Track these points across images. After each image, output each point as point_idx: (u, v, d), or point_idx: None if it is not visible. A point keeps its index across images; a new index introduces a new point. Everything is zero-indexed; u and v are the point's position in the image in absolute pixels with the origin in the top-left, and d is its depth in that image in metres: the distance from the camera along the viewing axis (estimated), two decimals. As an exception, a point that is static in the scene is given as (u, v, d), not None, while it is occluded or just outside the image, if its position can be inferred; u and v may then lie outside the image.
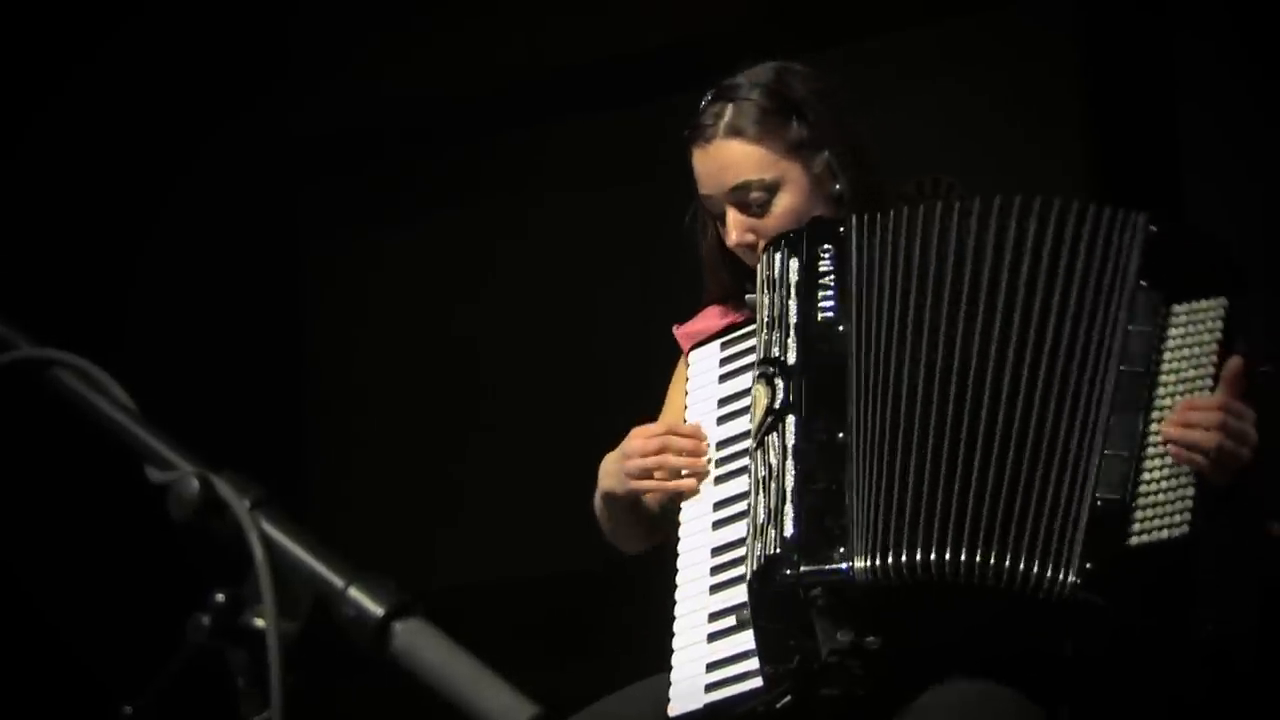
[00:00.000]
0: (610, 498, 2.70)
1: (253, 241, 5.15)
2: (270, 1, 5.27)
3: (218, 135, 4.99)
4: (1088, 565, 2.25)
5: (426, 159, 5.26)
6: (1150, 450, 2.33)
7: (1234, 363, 2.36)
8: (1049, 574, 2.25)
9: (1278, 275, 4.22)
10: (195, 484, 1.41)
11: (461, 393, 5.17)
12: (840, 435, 2.42)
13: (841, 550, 2.33)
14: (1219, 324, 2.41)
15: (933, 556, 2.29)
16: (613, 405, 4.76)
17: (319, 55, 5.36)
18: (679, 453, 2.59)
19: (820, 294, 2.55)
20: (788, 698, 2.34)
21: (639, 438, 2.63)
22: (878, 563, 2.31)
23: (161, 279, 4.89)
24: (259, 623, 1.37)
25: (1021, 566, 2.26)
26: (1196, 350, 2.38)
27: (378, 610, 1.36)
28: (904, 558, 2.30)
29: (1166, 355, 2.39)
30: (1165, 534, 2.27)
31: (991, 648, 2.35)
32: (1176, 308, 2.43)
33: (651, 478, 2.60)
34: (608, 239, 4.90)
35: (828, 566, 2.33)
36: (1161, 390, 2.37)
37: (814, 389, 2.48)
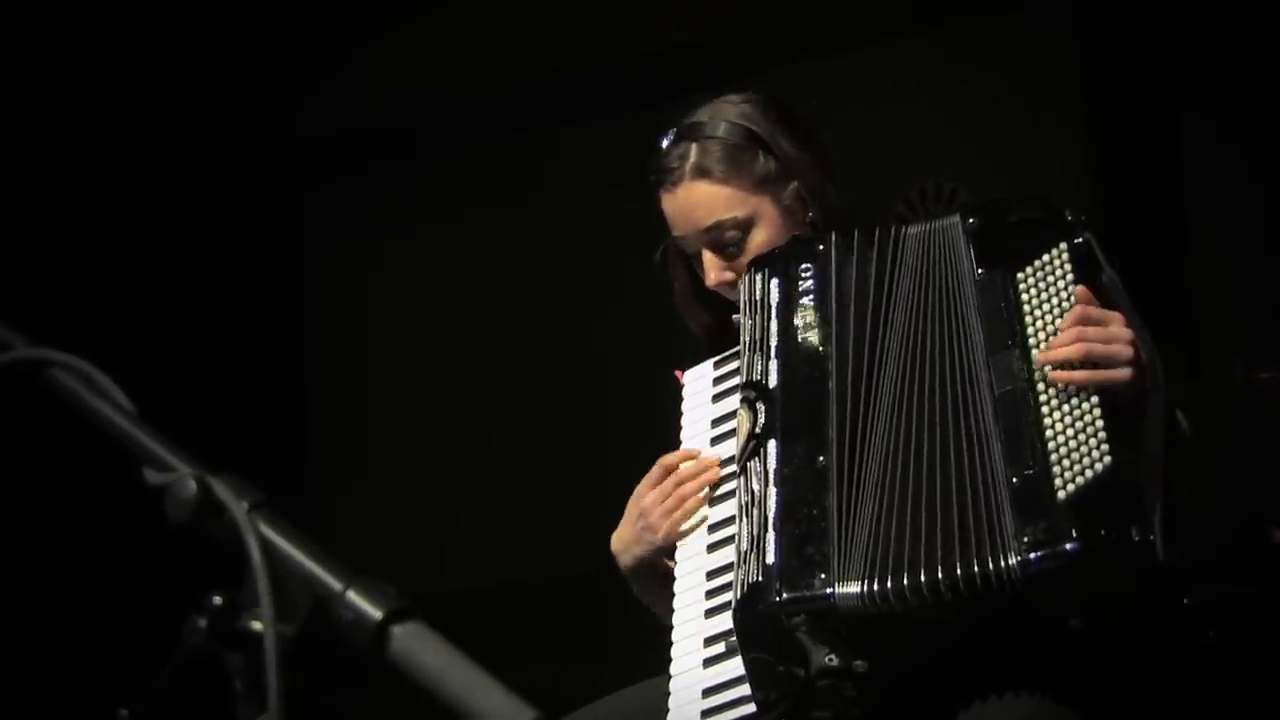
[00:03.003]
0: (633, 572, 2.66)
1: (255, 242, 5.15)
2: (272, 3, 5.27)
3: (219, 136, 4.99)
4: (1025, 540, 2.25)
5: (429, 160, 5.25)
6: (1044, 410, 2.35)
7: (1078, 291, 2.39)
8: (991, 566, 2.25)
9: (1278, 275, 4.23)
10: (193, 486, 1.40)
11: (464, 395, 5.16)
12: (821, 459, 2.40)
13: (823, 577, 2.31)
14: (1066, 268, 2.44)
15: (905, 581, 2.27)
16: (616, 407, 4.79)
17: (321, 56, 5.35)
18: (685, 480, 2.58)
19: (800, 315, 2.54)
20: None
21: (648, 488, 2.61)
22: (860, 589, 2.29)
23: (163, 280, 4.88)
24: (256, 625, 1.37)
25: (974, 570, 2.26)
26: (1054, 302, 2.43)
27: (376, 614, 1.36)
28: (885, 584, 2.28)
29: (1027, 320, 2.43)
30: (1089, 474, 2.27)
31: (985, 659, 2.34)
32: (1019, 275, 2.47)
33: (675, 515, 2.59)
34: (610, 241, 4.89)
35: (808, 594, 2.30)
36: (1036, 353, 2.39)
37: (794, 412, 2.46)
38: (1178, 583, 2.33)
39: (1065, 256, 2.45)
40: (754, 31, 4.78)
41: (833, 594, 2.30)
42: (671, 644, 2.55)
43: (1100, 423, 2.30)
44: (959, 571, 2.26)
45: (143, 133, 4.86)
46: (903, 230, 2.59)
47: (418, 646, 1.35)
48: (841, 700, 2.31)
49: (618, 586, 2.75)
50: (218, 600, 1.39)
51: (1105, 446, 2.28)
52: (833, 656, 2.29)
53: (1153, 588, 2.28)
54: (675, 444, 2.70)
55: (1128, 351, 2.35)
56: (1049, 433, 2.32)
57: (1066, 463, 2.29)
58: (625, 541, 2.65)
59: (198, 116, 4.95)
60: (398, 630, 1.35)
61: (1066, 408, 2.33)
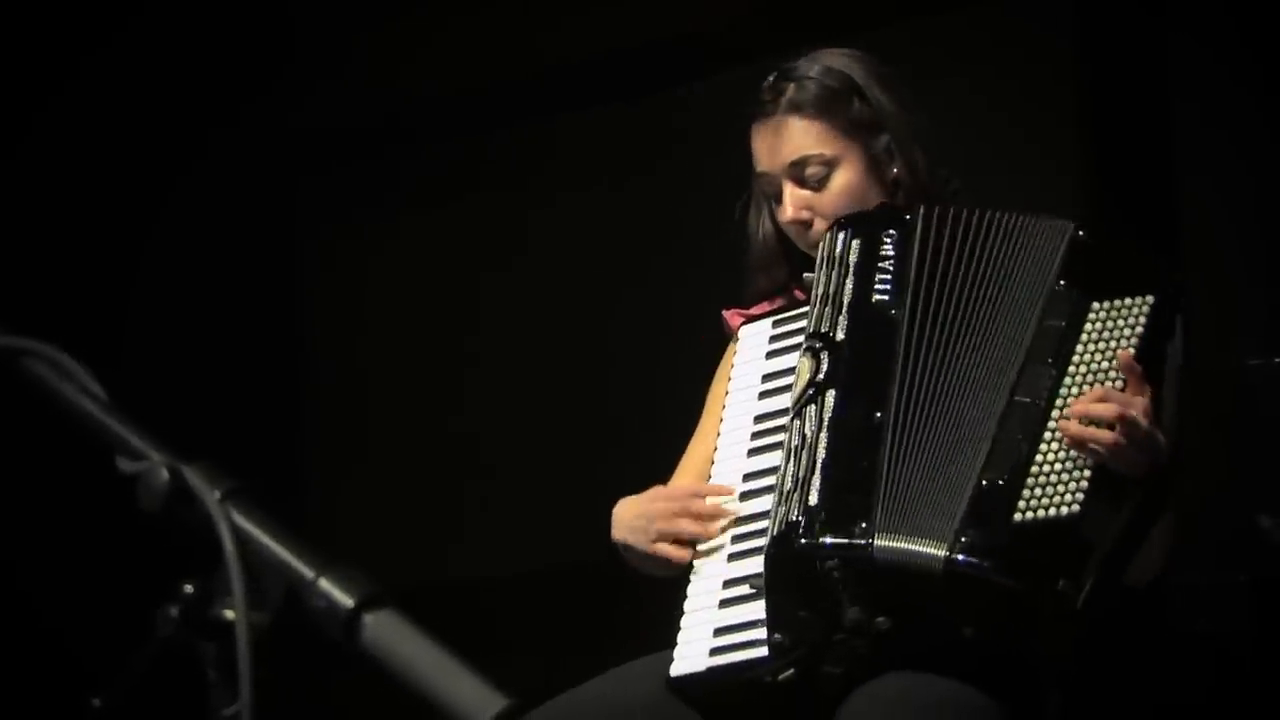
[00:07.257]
0: (626, 547, 2.66)
1: (252, 237, 5.16)
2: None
3: (217, 131, 5.00)
4: (962, 540, 2.30)
5: (425, 155, 5.26)
6: (1046, 434, 2.37)
7: (1122, 357, 2.39)
8: (927, 552, 2.31)
9: (1274, 273, 4.22)
10: (165, 474, 1.40)
11: (461, 387, 5.16)
12: (878, 415, 2.44)
13: (864, 525, 2.34)
14: (1141, 320, 2.44)
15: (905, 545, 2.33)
16: (616, 398, 4.79)
17: (318, 52, 5.36)
18: (698, 517, 2.57)
19: (878, 277, 2.57)
20: (791, 670, 2.35)
21: (661, 500, 2.60)
22: (896, 544, 2.33)
23: (161, 274, 4.89)
24: (229, 614, 1.36)
25: (922, 549, 2.30)
26: (1113, 344, 2.43)
27: (348, 601, 1.36)
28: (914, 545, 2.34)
29: (1079, 349, 2.44)
30: (1052, 511, 2.30)
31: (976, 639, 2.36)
32: (1095, 304, 2.48)
33: (673, 541, 2.58)
34: (608, 234, 4.90)
35: (847, 540, 2.34)
36: (1069, 380, 2.42)
37: (858, 367, 2.50)
38: (1091, 630, 2.35)
39: (1147, 309, 2.45)
40: (747, 23, 4.77)
41: (870, 544, 2.33)
42: (689, 581, 2.55)
43: (1088, 472, 2.33)
44: (912, 547, 2.32)
45: (140, 126, 4.88)
46: (997, 217, 2.60)
47: (389, 635, 1.35)
48: (854, 657, 2.34)
49: (617, 578, 2.75)
50: (190, 589, 1.39)
51: (1081, 495, 2.31)
52: (857, 610, 2.32)
53: (1060, 630, 2.32)
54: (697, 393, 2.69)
55: (1143, 460, 2.33)
56: (1039, 457, 2.35)
57: (1039, 491, 2.33)
58: (625, 518, 2.65)
59: (197, 112, 4.97)
60: (369, 619, 1.35)
61: (1068, 443, 2.35)
